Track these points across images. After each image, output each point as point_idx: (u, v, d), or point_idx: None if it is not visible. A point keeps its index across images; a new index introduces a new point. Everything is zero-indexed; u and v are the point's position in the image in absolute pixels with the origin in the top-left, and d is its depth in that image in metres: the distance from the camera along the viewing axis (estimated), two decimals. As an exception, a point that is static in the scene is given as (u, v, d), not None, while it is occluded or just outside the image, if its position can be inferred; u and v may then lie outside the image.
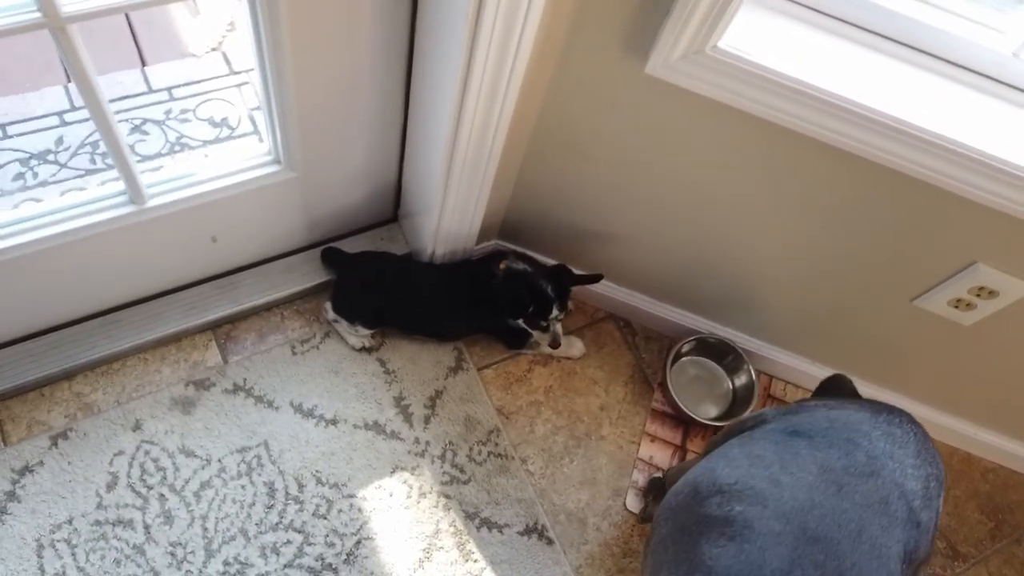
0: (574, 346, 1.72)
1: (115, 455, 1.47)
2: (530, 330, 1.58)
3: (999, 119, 1.11)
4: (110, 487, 1.44)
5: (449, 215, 1.51)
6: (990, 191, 1.13)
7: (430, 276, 1.64)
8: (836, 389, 1.24)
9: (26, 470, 1.43)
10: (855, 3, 1.09)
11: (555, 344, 1.61)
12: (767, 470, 0.97)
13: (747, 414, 1.13)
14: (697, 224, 1.47)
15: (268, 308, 1.67)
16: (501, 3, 1.02)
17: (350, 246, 1.70)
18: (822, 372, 1.72)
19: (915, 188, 1.17)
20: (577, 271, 1.58)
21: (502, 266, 1.54)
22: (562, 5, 1.08)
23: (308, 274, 1.69)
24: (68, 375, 1.53)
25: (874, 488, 0.93)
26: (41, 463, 1.44)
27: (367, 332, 1.61)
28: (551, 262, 1.68)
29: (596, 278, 1.60)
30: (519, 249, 1.71)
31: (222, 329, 1.64)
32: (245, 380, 1.58)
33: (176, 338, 1.60)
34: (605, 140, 1.33)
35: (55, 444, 1.46)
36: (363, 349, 1.64)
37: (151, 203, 1.37)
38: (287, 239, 1.66)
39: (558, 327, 1.60)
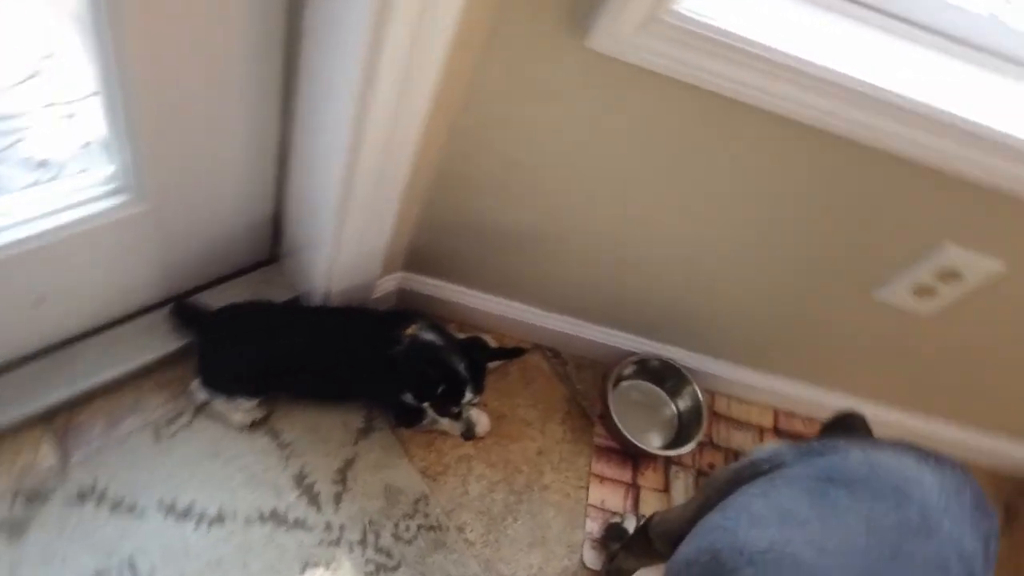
0: (480, 422, 1.43)
1: (-88, 612, 1.07)
2: (438, 416, 1.32)
3: (969, 83, 1.01)
4: (-94, 659, 1.04)
5: (348, 246, 1.25)
6: (958, 156, 1.02)
7: (317, 323, 1.35)
8: (849, 428, 1.09)
9: None
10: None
11: (469, 435, 1.36)
12: (803, 530, 0.78)
13: (756, 455, 0.95)
14: (631, 232, 1.29)
15: (119, 384, 1.32)
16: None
17: (222, 296, 1.39)
18: (772, 383, 1.60)
19: (880, 162, 1.05)
20: (493, 344, 1.40)
21: (408, 331, 1.27)
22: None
23: (168, 335, 1.35)
24: None
25: (932, 550, 0.76)
26: None
27: (251, 404, 1.31)
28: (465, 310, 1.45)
29: (516, 352, 1.42)
30: (430, 314, 1.47)
31: (59, 419, 1.27)
32: (95, 482, 1.22)
33: (-7, 438, 1.22)
34: (534, 139, 1.13)
35: None
36: (252, 425, 1.33)
37: (-62, 263, 1.01)
38: (139, 293, 1.32)
39: (472, 413, 1.35)
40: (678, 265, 1.35)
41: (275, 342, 1.29)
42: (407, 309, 1.44)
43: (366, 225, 1.23)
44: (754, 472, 0.95)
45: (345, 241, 1.25)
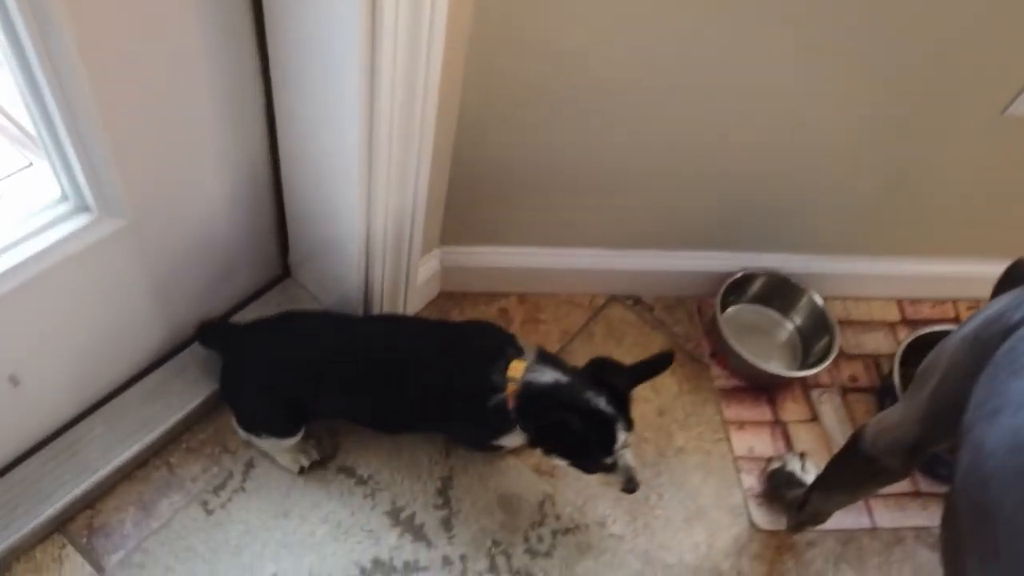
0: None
1: None
2: (586, 473, 0.96)
3: None
4: None
5: (379, 223, 1.00)
6: None
7: (377, 337, 1.04)
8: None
9: None
10: None
11: (631, 487, 0.95)
12: None
13: (992, 310, 0.72)
14: (697, 117, 1.06)
15: (141, 462, 1.06)
16: None
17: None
18: (889, 267, 1.38)
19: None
20: (619, 361, 0.95)
21: (512, 373, 0.92)
22: None
23: (186, 389, 1.09)
24: None
25: None
26: None
27: (292, 441, 1.03)
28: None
29: (664, 360, 0.95)
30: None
31: (77, 521, 1.00)
32: (145, 584, 0.95)
33: (0, 567, 0.94)
34: (570, 13, 0.89)
35: None
36: (312, 465, 1.08)
37: None
38: (137, 346, 1.06)
39: (629, 457, 0.95)
40: (759, 145, 1.12)
41: (312, 359, 1.01)
42: (489, 325, 1.07)
43: (399, 191, 0.99)
44: (1004, 328, 0.71)
45: (375, 219, 1.00)
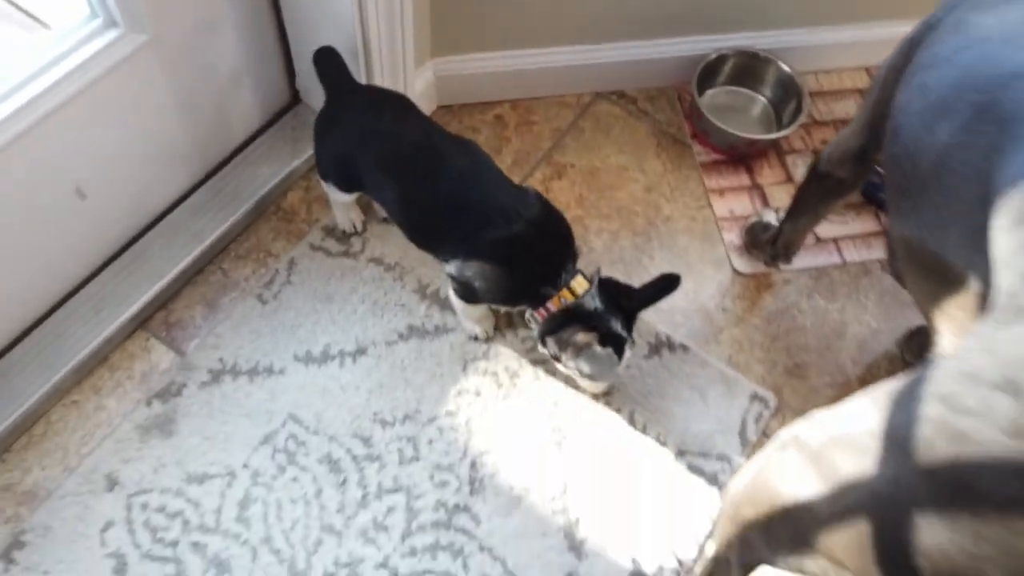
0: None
1: (103, 531, 1.00)
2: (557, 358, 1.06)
3: None
4: (119, 572, 0.98)
5: (375, 37, 1.11)
6: None
7: (457, 160, 1.04)
8: None
9: (-14, 616, 0.95)
10: None
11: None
12: None
13: (924, 19, 0.81)
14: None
15: (198, 269, 1.22)
16: None
17: (261, 153, 1.27)
18: (856, 34, 1.45)
19: None
20: (629, 284, 1.06)
21: (575, 290, 1.02)
22: None
23: (226, 205, 1.24)
24: (-24, 471, 1.04)
25: None
26: (3, 596, 0.96)
27: (344, 198, 1.17)
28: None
29: (671, 282, 1.05)
30: None
31: (155, 320, 1.18)
32: (222, 360, 1.14)
33: (99, 358, 1.13)
34: None
35: (11, 561, 0.98)
36: (353, 233, 1.26)
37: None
38: (177, 165, 1.20)
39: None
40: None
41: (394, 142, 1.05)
42: (561, 220, 1.08)
43: (388, 10, 1.08)
44: (928, 25, 0.81)
45: (369, 25, 1.10)
